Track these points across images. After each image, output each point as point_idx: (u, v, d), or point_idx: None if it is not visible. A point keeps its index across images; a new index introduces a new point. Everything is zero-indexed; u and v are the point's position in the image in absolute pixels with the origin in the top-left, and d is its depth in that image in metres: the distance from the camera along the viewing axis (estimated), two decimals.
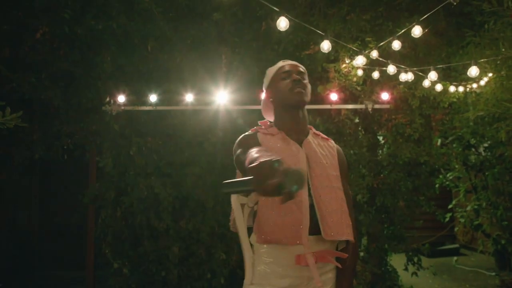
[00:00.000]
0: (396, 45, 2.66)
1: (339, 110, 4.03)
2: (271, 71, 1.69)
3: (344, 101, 4.05)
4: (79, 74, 3.87)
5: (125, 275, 4.02)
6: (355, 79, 3.80)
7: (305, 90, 1.58)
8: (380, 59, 3.05)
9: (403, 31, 2.68)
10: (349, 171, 1.75)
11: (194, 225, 3.95)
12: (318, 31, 2.63)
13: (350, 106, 3.89)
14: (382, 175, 4.20)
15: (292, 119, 1.60)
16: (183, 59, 3.88)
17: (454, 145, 5.48)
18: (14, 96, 3.62)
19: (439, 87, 3.45)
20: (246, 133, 1.64)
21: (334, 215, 1.48)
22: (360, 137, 3.99)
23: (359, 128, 4.19)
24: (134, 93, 3.93)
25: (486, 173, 4.99)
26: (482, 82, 3.98)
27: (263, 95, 1.74)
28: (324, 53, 4.01)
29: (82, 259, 4.43)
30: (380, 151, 4.41)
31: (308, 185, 1.50)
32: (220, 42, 3.92)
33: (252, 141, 1.54)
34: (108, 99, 3.87)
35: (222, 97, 3.85)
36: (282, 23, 2.29)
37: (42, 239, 5.48)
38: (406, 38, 4.16)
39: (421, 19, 2.67)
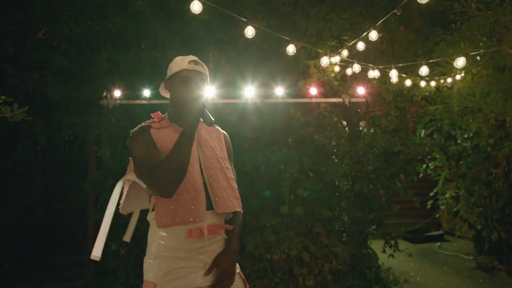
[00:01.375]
0: (361, 46, 2.95)
1: (319, 103, 4.32)
2: (173, 67, 1.77)
3: (324, 95, 4.33)
4: (78, 70, 4.14)
5: (123, 256, 4.35)
6: (333, 74, 4.08)
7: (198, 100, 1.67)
8: (348, 59, 3.34)
9: (365, 34, 2.96)
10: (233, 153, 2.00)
11: None
12: (284, 37, 2.92)
13: (329, 100, 4.18)
14: (360, 164, 4.48)
15: (184, 114, 1.73)
16: (174, 56, 4.11)
17: (435, 136, 5.78)
18: (18, 92, 3.93)
19: (408, 83, 3.73)
20: (138, 128, 1.71)
21: (224, 191, 1.73)
22: (339, 128, 4.27)
23: (341, 120, 4.47)
24: (129, 88, 4.20)
25: (461, 162, 5.28)
26: (458, 77, 4.26)
27: (163, 82, 1.85)
28: (305, 51, 4.30)
29: (83, 243, 4.75)
30: (360, 141, 4.70)
31: (201, 166, 1.71)
32: (208, 40, 4.19)
33: (147, 138, 1.66)
34: (105, 93, 4.14)
35: (210, 92, 4.13)
36: (249, 31, 2.57)
37: (45, 225, 5.79)
38: (386, 35, 4.45)
39: (378, 23, 2.93)
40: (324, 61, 3.16)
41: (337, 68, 3.97)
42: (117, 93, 4.20)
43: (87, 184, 4.26)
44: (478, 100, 3.86)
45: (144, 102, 4.24)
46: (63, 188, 5.41)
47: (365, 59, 4.22)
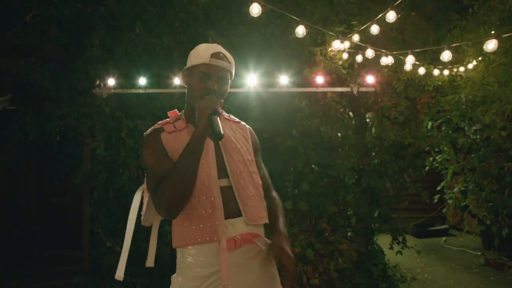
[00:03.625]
0: (375, 29, 2.70)
1: (325, 93, 4.08)
2: (194, 57, 1.53)
3: (330, 84, 4.09)
4: (69, 57, 3.90)
5: (118, 253, 4.14)
6: (340, 62, 3.84)
7: (218, 99, 1.44)
8: (360, 43, 3.09)
9: (380, 16, 2.71)
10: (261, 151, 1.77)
11: None
12: (294, 17, 2.67)
13: (336, 89, 3.95)
14: (368, 157, 4.28)
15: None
16: (172, 42, 3.90)
17: (443, 128, 5.56)
18: (5, 80, 3.67)
19: (422, 71, 3.50)
20: (150, 131, 1.54)
21: (253, 200, 1.53)
22: (346, 119, 4.05)
23: (347, 111, 4.25)
24: (123, 76, 3.96)
25: (472, 155, 5.07)
26: (470, 66, 4.02)
27: (181, 73, 1.62)
28: (311, 37, 4.05)
29: (78, 238, 4.56)
30: (367, 133, 4.48)
31: (226, 170, 1.50)
32: (208, 25, 3.95)
33: (156, 144, 1.48)
34: (98, 82, 3.91)
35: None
36: (255, 9, 2.33)
37: (39, 219, 5.60)
38: (394, 22, 4.20)
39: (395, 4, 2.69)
40: (336, 45, 2.92)
41: (345, 55, 3.73)
42: (111, 81, 3.96)
43: (79, 178, 4.04)
44: (495, 89, 3.62)
45: (140, 91, 4.02)
46: (57, 182, 5.19)
47: (374, 46, 3.98)
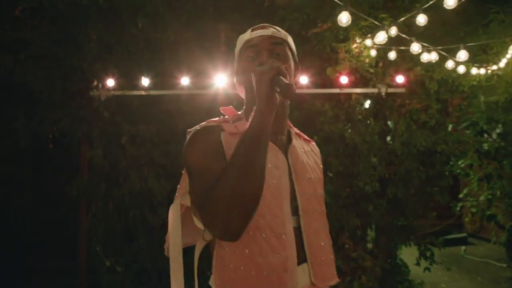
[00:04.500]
0: (422, 19, 2.30)
1: (349, 94, 3.70)
2: (238, 42, 1.23)
3: (354, 84, 3.71)
4: (63, 55, 3.55)
5: (119, 274, 3.75)
6: (367, 60, 3.46)
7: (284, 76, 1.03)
8: (403, 35, 2.69)
9: (431, 1, 2.31)
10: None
11: None
12: (337, 1, 2.27)
13: (362, 90, 3.56)
14: (394, 165, 3.92)
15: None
16: (178, 38, 3.56)
17: (468, 132, 5.18)
18: None
19: (461, 69, 3.11)
20: (201, 127, 1.13)
21: (325, 251, 1.15)
22: (371, 123, 3.66)
23: (372, 114, 3.87)
24: (124, 76, 3.63)
25: (504, 162, 4.70)
26: (502, 64, 3.66)
27: (235, 76, 1.28)
28: (332, 32, 3.67)
29: (74, 252, 4.17)
30: (388, 138, 4.12)
31: (297, 206, 1.12)
32: (218, 19, 3.57)
33: (214, 142, 1.08)
34: (95, 82, 3.55)
35: (222, 80, 3.50)
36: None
37: (33, 232, 5.24)
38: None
39: None
40: (381, 36, 2.49)
41: (373, 52, 3.34)
42: (110, 82, 3.62)
43: (75, 189, 3.65)
44: None
45: (142, 93, 3.68)
46: (52, 192, 4.78)
47: (397, 42, 3.59)
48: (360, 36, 3.53)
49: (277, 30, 1.20)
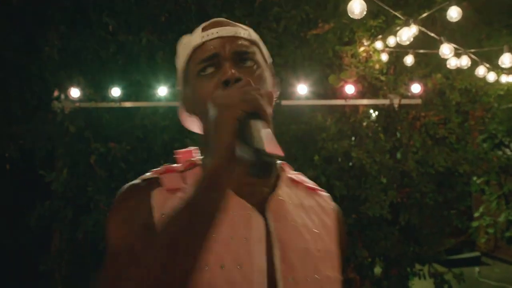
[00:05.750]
0: (454, 13, 1.79)
1: (356, 106, 3.22)
2: (182, 49, 0.85)
3: (361, 94, 3.25)
4: (21, 62, 3.11)
5: None
6: (377, 66, 2.98)
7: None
8: (432, 34, 2.19)
9: None
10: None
11: None
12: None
13: (372, 102, 3.08)
14: (407, 187, 3.45)
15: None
16: (155, 41, 3.14)
17: (485, 145, 4.72)
18: None
19: (491, 77, 2.62)
20: (128, 188, 0.81)
21: None
22: (382, 140, 3.19)
23: (379, 128, 3.41)
24: (92, 86, 3.26)
25: None
26: None
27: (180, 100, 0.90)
28: (336, 34, 3.21)
29: None
30: (398, 155, 3.67)
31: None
32: (202, 19, 3.07)
33: (136, 207, 0.77)
34: (56, 93, 3.13)
35: None
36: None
37: None
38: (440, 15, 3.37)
39: None
40: (405, 35, 1.98)
41: (384, 57, 2.86)
42: (75, 92, 3.25)
43: (33, 218, 3.21)
44: None
45: (113, 104, 3.28)
46: (11, 220, 4.27)
47: (417, 45, 3.12)
48: (369, 38, 3.05)
49: (241, 26, 0.83)
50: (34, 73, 3.16)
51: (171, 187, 0.80)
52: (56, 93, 3.16)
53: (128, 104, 3.30)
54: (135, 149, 3.30)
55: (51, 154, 3.39)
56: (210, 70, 0.77)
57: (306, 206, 0.85)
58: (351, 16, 1.79)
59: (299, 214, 0.82)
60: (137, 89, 3.30)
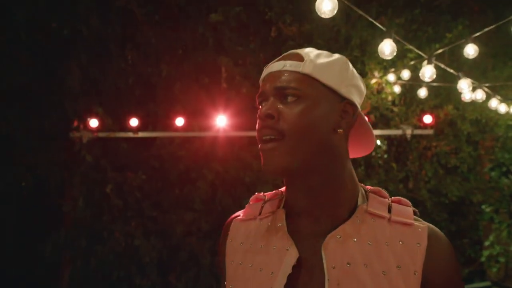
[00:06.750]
0: (471, 50, 1.86)
1: None
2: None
3: (373, 125, 3.27)
4: (40, 91, 3.14)
5: None
6: (390, 97, 3.02)
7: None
8: (450, 71, 2.25)
9: (478, 33, 1.88)
10: None
11: (187, 282, 3.15)
12: (380, 25, 1.83)
13: (385, 132, 3.11)
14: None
15: (296, 189, 0.77)
16: (172, 72, 3.15)
17: (493, 173, 4.71)
18: None
19: (503, 108, 2.66)
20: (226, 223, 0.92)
21: None
22: (394, 169, 3.19)
23: (391, 159, 3.41)
24: (110, 116, 3.28)
25: None
26: None
27: None
28: None
29: None
30: (410, 184, 3.66)
31: None
32: (219, 51, 3.18)
33: (221, 247, 0.88)
34: (76, 123, 3.12)
35: (222, 121, 3.08)
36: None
37: None
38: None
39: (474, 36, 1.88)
40: (428, 73, 2.02)
41: (397, 89, 2.90)
42: (93, 122, 3.25)
43: (48, 247, 3.16)
44: None
45: (131, 135, 3.30)
46: (25, 249, 4.20)
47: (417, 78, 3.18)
48: (380, 70, 3.11)
49: (295, 61, 0.77)
50: (53, 102, 3.16)
51: (244, 217, 0.85)
52: (76, 123, 3.17)
53: (144, 135, 3.31)
54: (150, 179, 3.31)
55: (64, 183, 3.38)
56: (263, 105, 0.79)
57: (379, 240, 0.73)
58: (382, 57, 1.82)
59: (365, 252, 0.72)
60: (154, 119, 3.33)
